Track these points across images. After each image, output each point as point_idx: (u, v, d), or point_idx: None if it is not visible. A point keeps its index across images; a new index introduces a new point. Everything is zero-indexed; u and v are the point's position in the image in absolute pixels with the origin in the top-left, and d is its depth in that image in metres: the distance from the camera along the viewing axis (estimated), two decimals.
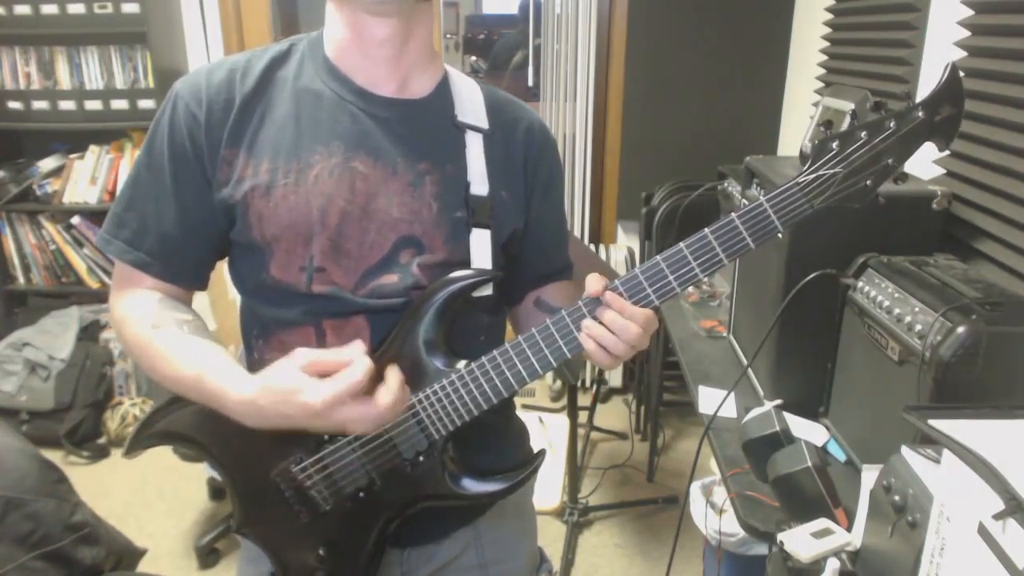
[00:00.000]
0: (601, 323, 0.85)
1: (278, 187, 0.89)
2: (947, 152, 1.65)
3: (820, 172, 0.84)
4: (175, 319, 0.92)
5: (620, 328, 0.84)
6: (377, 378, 0.82)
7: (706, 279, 0.89)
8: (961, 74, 0.85)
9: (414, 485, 0.93)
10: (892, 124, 0.84)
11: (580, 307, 0.87)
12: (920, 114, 0.84)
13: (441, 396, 0.90)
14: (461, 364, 0.90)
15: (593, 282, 0.86)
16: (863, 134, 0.84)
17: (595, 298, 0.86)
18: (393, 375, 0.82)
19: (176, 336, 0.90)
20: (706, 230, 0.85)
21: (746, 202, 1.72)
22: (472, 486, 0.94)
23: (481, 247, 0.94)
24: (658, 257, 0.85)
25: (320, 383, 0.78)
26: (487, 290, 0.94)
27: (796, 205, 0.84)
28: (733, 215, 0.85)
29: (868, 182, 0.85)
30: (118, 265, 0.96)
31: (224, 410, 0.86)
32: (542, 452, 1.01)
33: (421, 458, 0.91)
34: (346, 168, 0.90)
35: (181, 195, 0.91)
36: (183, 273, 0.96)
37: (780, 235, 0.85)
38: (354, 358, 0.79)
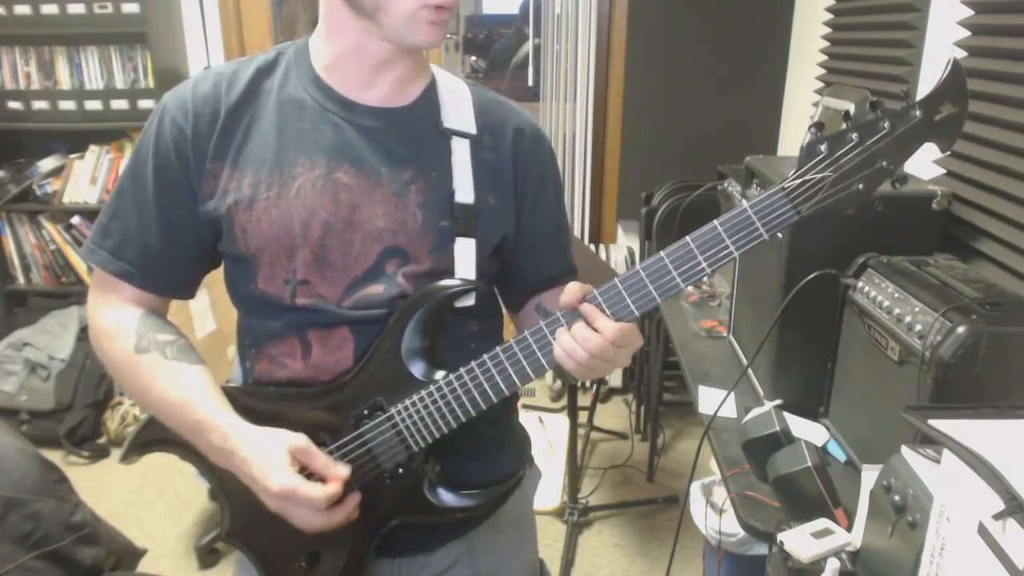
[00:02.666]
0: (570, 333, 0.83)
1: (260, 200, 0.89)
2: (947, 152, 1.65)
3: (807, 176, 0.80)
4: (158, 342, 0.93)
5: (583, 339, 0.82)
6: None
7: (688, 288, 0.86)
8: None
9: (393, 497, 0.93)
10: (886, 124, 0.79)
11: (558, 317, 0.85)
12: (917, 113, 0.79)
13: (419, 407, 0.90)
14: (439, 375, 0.90)
15: (571, 291, 0.84)
16: (854, 135, 0.79)
17: (573, 308, 0.84)
18: (353, 499, 0.88)
19: (160, 363, 0.92)
20: (687, 238, 0.82)
21: (747, 203, 1.72)
22: (450, 500, 0.93)
23: (465, 256, 0.93)
24: (639, 266, 0.83)
25: (289, 475, 0.84)
26: (470, 300, 0.94)
27: (781, 212, 0.80)
28: (715, 222, 0.81)
29: (860, 186, 0.80)
30: (98, 272, 0.95)
31: (199, 440, 0.90)
32: (520, 471, 1.02)
33: (400, 470, 0.92)
34: (329, 180, 0.89)
35: (164, 207, 0.92)
36: (164, 283, 0.96)
37: (780, 236, 0.82)
38: (336, 477, 0.86)
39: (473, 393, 0.89)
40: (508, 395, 0.89)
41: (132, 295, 0.95)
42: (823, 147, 0.80)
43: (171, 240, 0.93)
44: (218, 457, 0.90)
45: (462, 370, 0.89)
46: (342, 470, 0.87)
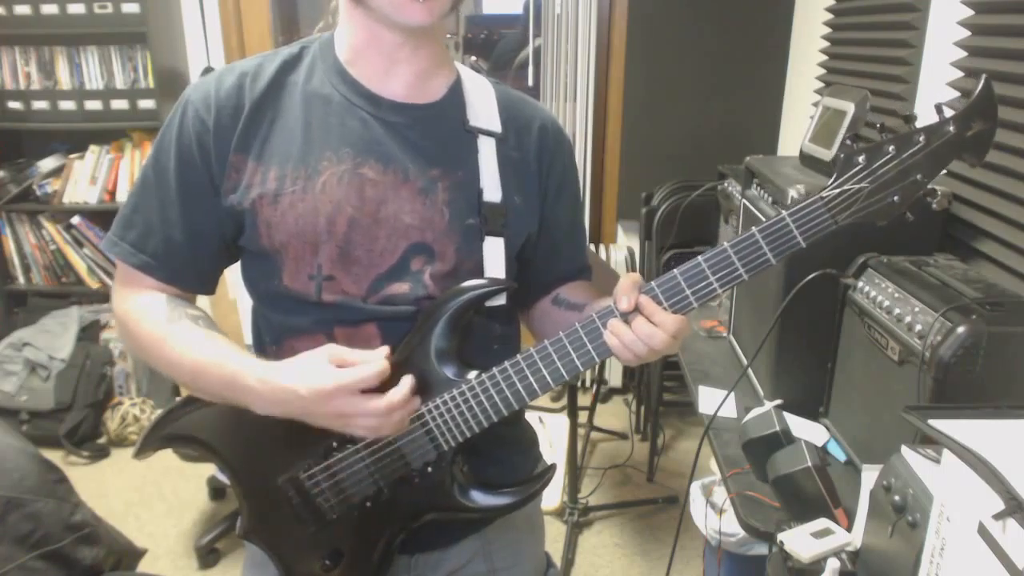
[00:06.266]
0: (628, 325, 0.84)
1: (285, 194, 0.88)
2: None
3: (845, 187, 0.81)
4: (188, 314, 0.93)
5: (647, 335, 0.83)
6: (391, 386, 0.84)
7: (722, 292, 0.87)
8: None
9: (421, 496, 0.92)
10: (922, 139, 0.81)
11: (612, 309, 0.85)
12: (951, 128, 0.81)
13: (451, 407, 0.89)
14: (472, 374, 0.89)
15: (626, 284, 0.84)
16: (891, 148, 0.81)
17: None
18: (406, 380, 0.84)
19: (192, 328, 0.91)
20: (725, 243, 0.83)
21: (747, 203, 1.72)
22: (481, 499, 0.93)
23: (494, 256, 0.93)
24: (676, 271, 0.84)
25: (335, 369, 0.81)
26: (500, 300, 0.93)
27: (820, 221, 0.81)
28: (754, 229, 0.82)
29: (895, 198, 0.82)
30: (121, 266, 0.95)
31: (240, 391, 0.86)
32: (552, 466, 1.00)
33: (429, 469, 0.91)
34: (355, 175, 0.89)
35: (185, 200, 0.91)
36: (186, 277, 0.96)
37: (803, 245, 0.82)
38: (374, 358, 0.82)
39: (506, 393, 0.88)
40: (540, 395, 0.88)
41: (155, 287, 0.95)
42: (861, 159, 0.81)
43: (193, 233, 0.92)
44: (261, 403, 0.86)
45: (495, 369, 0.88)
46: (381, 350, 0.85)
